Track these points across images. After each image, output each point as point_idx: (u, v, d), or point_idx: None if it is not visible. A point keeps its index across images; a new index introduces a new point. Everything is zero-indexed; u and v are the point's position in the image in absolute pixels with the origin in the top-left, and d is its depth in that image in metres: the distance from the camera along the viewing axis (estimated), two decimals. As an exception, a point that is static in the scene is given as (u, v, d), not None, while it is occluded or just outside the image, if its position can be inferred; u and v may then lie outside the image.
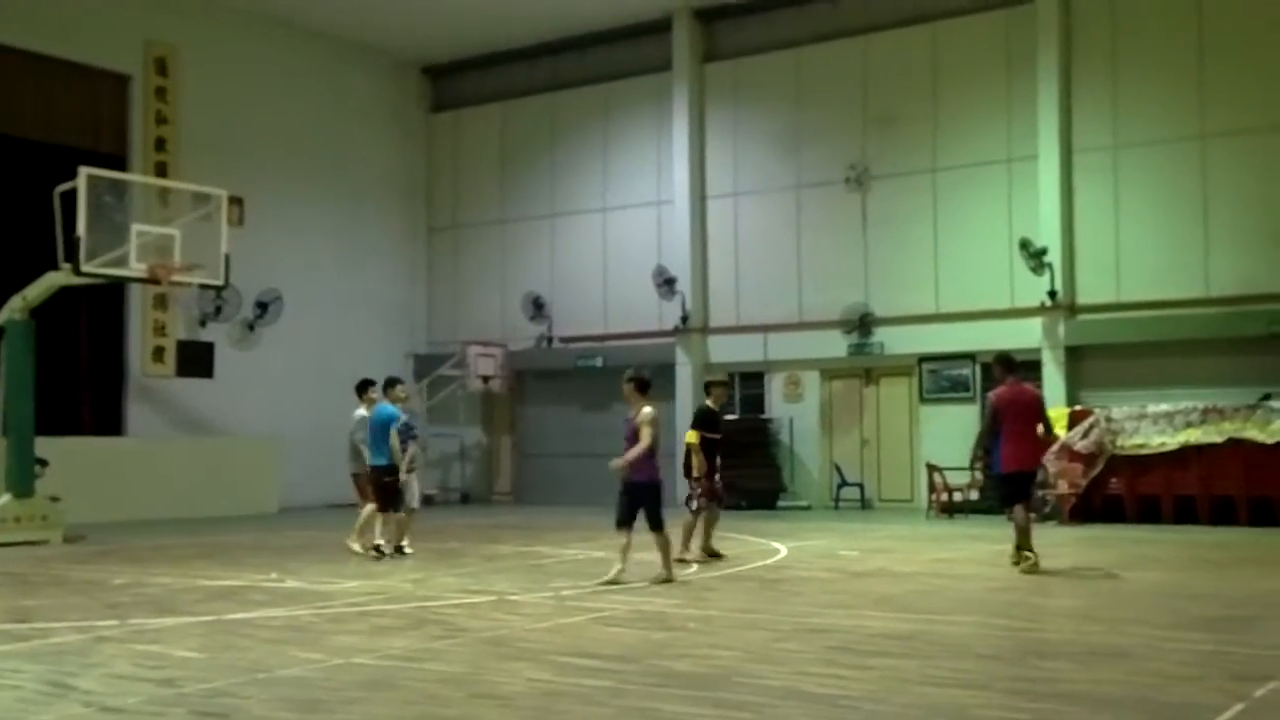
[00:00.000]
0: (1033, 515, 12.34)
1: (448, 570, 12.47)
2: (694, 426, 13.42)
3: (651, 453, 11.05)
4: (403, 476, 13.66)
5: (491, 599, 10.12)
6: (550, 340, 25.93)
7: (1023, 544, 11.82)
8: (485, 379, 25.44)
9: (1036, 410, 12.06)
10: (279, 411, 23.66)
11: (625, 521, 11.15)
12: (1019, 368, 12.65)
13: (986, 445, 12.28)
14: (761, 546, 14.73)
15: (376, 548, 13.48)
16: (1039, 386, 20.52)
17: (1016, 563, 11.82)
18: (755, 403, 23.83)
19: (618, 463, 11.10)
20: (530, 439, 26.43)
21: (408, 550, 13.71)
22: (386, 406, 13.77)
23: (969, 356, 21.64)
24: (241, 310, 23.41)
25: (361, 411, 14.70)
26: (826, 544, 13.85)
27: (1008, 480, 12.08)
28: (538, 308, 25.80)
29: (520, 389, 26.47)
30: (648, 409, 11.14)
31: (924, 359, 22.05)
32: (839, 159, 22.91)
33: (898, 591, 10.51)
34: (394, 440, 13.49)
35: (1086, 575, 11.71)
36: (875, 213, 22.63)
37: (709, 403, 13.91)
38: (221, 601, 10.08)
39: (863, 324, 22.41)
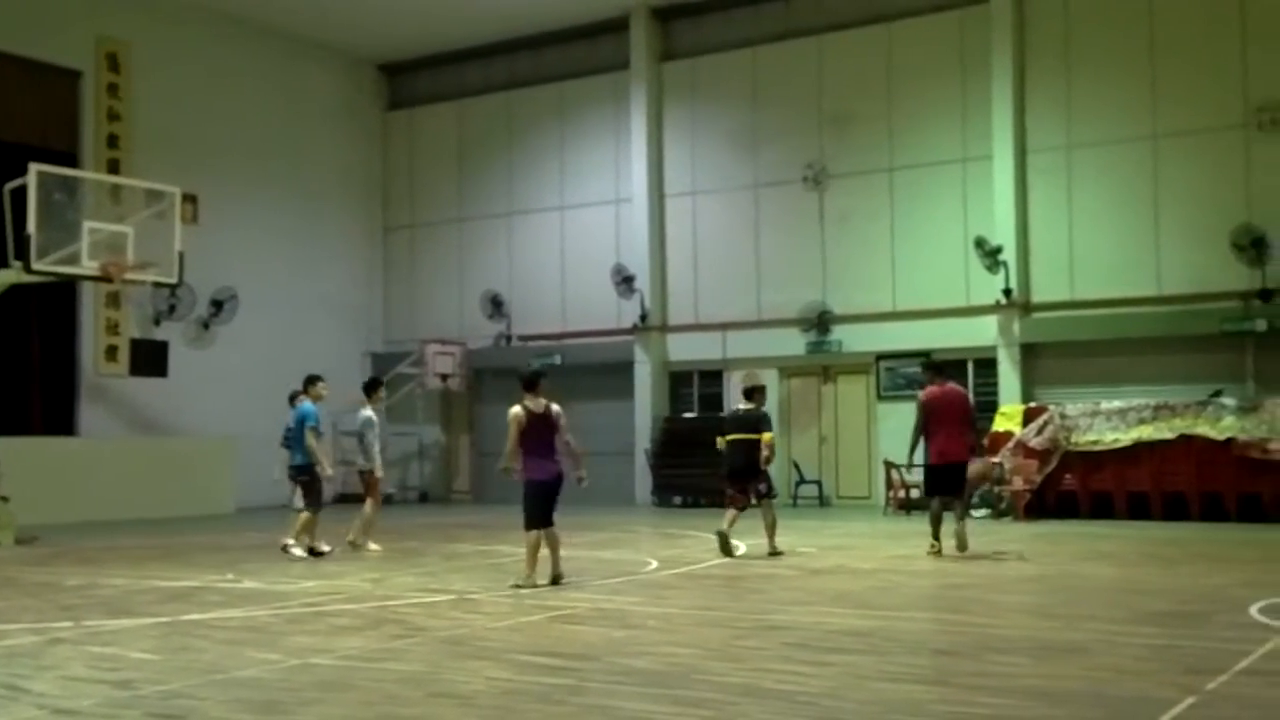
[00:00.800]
0: (970, 512, 13.06)
1: (407, 569, 12.42)
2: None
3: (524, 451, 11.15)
4: (329, 472, 13.77)
5: (451, 598, 10.09)
6: (509, 339, 25.88)
7: (935, 533, 12.96)
8: (444, 377, 25.36)
9: (963, 409, 13.16)
10: (234, 411, 23.45)
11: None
12: (946, 369, 14.10)
13: (914, 442, 13.18)
14: (715, 544, 14.70)
15: (312, 550, 13.62)
16: (995, 384, 20.82)
17: (932, 551, 12.81)
18: (713, 401, 23.85)
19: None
20: (489, 437, 26.27)
21: (324, 549, 13.67)
22: (306, 405, 13.80)
23: (926, 354, 21.71)
24: (196, 309, 23.21)
25: (368, 412, 14.68)
26: (785, 541, 13.89)
27: (933, 472, 13.10)
28: (496, 306, 25.74)
29: (478, 387, 26.40)
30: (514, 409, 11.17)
31: (881, 356, 22.17)
32: (796, 158, 22.99)
33: (856, 588, 10.56)
34: (309, 438, 13.59)
35: (1041, 571, 11.82)
36: (833, 211, 22.74)
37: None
38: (177, 603, 9.98)
39: (821, 322, 22.51)
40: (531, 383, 11.29)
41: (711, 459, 22.87)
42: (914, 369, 21.91)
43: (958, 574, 11.60)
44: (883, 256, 22.21)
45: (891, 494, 20.41)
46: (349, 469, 15.79)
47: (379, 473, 14.50)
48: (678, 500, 23.15)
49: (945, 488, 13.08)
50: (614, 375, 24.41)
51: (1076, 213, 20.79)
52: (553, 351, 25.09)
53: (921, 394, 13.48)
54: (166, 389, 22.72)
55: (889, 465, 20.42)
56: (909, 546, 14.37)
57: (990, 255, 20.57)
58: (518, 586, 10.64)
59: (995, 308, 20.83)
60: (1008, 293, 20.66)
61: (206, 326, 23.75)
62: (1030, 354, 20.88)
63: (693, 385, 24.33)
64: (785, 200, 23.20)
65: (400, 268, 27.65)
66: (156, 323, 22.87)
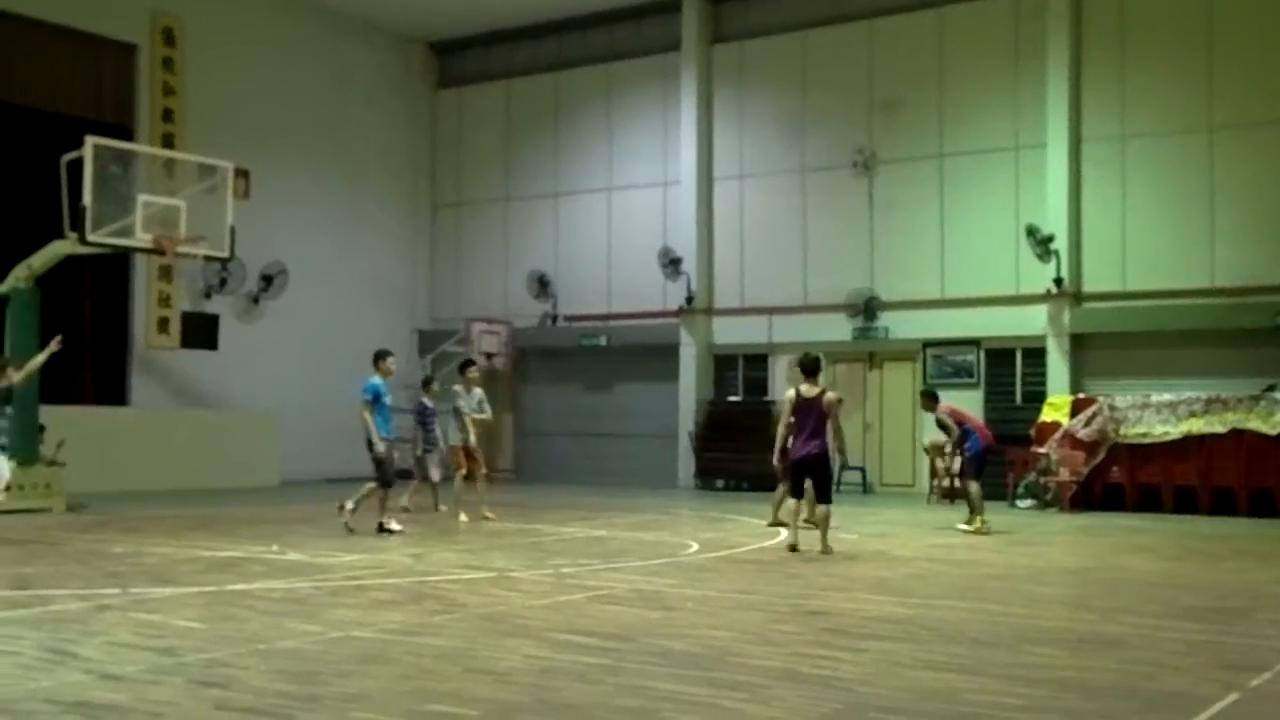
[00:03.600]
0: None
1: (447, 546, 12.53)
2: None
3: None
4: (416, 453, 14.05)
5: (491, 575, 10.17)
6: (554, 319, 25.96)
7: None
8: (489, 356, 25.46)
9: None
10: (281, 386, 23.67)
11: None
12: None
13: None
14: (760, 529, 14.74)
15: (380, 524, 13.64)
16: (1043, 374, 20.67)
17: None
18: (758, 385, 23.86)
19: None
20: (532, 417, 26.47)
21: (394, 527, 13.71)
22: (372, 379, 13.77)
23: (973, 342, 21.66)
24: (246, 283, 23.43)
25: (459, 388, 15.34)
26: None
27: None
28: (542, 286, 25.82)
29: (523, 367, 26.50)
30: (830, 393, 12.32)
31: (928, 344, 22.05)
32: (845, 143, 22.87)
33: (894, 576, 10.56)
34: (365, 412, 13.50)
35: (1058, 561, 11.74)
36: (881, 197, 22.63)
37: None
38: (221, 573, 10.13)
39: (867, 308, 22.43)
40: (811, 369, 12.29)
41: (756, 444, 23.18)
42: (962, 357, 21.84)
43: (998, 564, 11.56)
44: (931, 243, 22.08)
45: (935, 482, 20.32)
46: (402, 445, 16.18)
47: (470, 443, 15.32)
48: (720, 484, 23.16)
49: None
50: (659, 358, 24.43)
51: (1130, 203, 20.56)
52: (598, 333, 25.15)
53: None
54: (216, 362, 22.98)
55: (932, 452, 20.31)
56: (950, 535, 14.33)
57: (1042, 244, 20.41)
58: (790, 547, 12.02)
59: (1045, 297, 20.67)
60: (1058, 282, 20.48)
61: (256, 301, 23.97)
62: (1080, 344, 20.70)
63: (737, 369, 24.30)
64: (833, 186, 23.10)
65: (447, 246, 27.79)
66: (207, 296, 23.10)
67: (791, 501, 12.43)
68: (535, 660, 6.60)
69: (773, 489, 15.07)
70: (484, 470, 15.68)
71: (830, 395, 12.27)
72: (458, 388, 15.54)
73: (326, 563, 10.91)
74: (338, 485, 20.52)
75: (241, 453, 22.35)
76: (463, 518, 15.02)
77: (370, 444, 13.63)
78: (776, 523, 14.38)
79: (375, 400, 13.55)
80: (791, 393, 12.22)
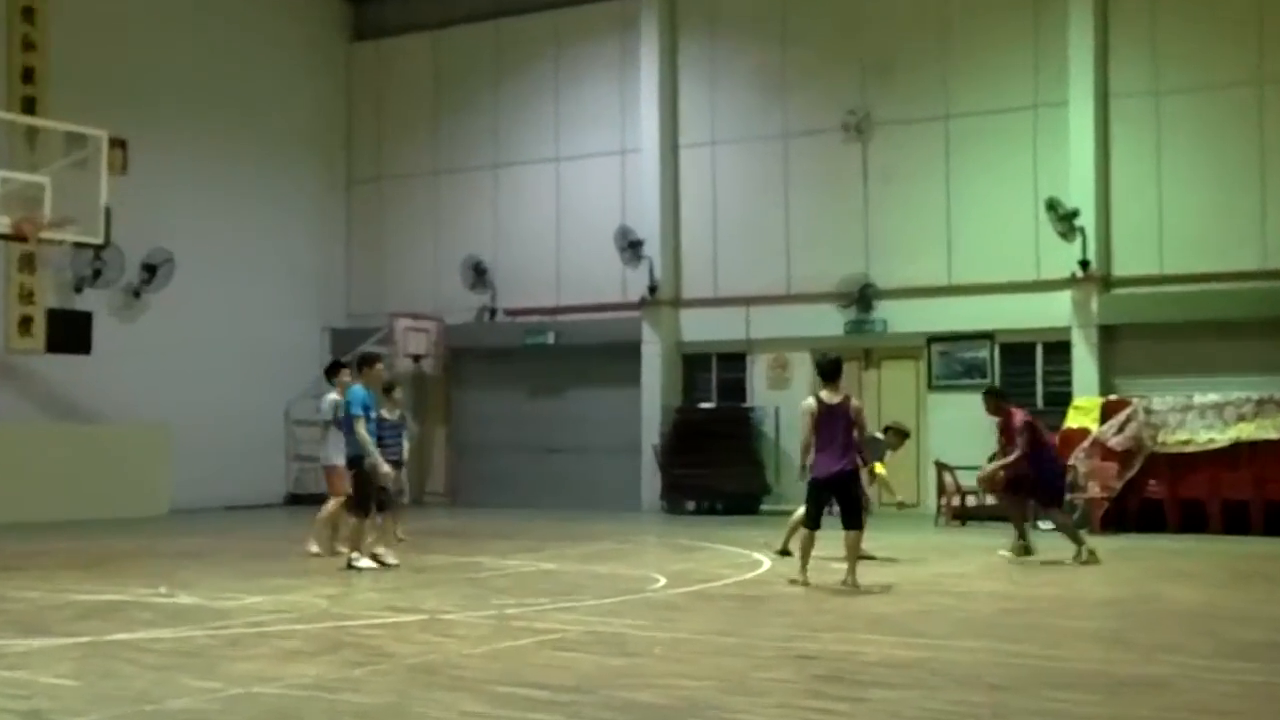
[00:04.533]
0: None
1: (370, 584, 12.47)
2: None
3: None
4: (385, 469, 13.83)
5: (421, 618, 10.13)
6: (493, 313, 25.91)
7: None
8: (416, 358, 25.38)
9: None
10: (169, 395, 23.47)
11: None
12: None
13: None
14: (740, 558, 14.77)
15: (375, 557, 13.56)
16: (1068, 372, 20.82)
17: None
18: (734, 389, 23.92)
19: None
20: (469, 429, 26.40)
21: (364, 564, 13.57)
22: (357, 388, 13.83)
23: (986, 336, 21.81)
24: (125, 274, 23.23)
25: (334, 396, 14.97)
26: (817, 554, 13.91)
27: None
28: (478, 275, 25.76)
29: (457, 371, 26.43)
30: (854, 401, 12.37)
31: (934, 339, 22.20)
32: (834, 104, 22.93)
33: (898, 611, 10.60)
34: (360, 428, 13.49)
35: (1091, 591, 11.84)
36: (877, 167, 22.71)
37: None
38: (100, 619, 10.03)
39: (862, 297, 22.52)
40: (832, 372, 12.23)
41: (732, 458, 23.21)
42: (973, 353, 21.96)
43: (1017, 596, 11.64)
44: (936, 220, 22.20)
45: (944, 501, 20.42)
46: (305, 464, 16.11)
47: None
48: (691, 506, 23.18)
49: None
50: (617, 357, 24.43)
51: (1166, 170, 20.73)
52: (545, 329, 25.13)
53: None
54: (90, 367, 22.76)
55: (941, 467, 20.42)
56: (963, 563, 14.41)
57: (1065, 220, 20.56)
58: (791, 581, 12.02)
59: (1070, 282, 20.83)
60: (1085, 264, 20.65)
61: (137, 295, 23.80)
62: (1110, 337, 20.87)
63: (710, 370, 24.34)
64: (821, 153, 23.17)
65: (366, 228, 27.66)
66: (78, 290, 22.89)
67: (806, 533, 12.18)
68: (474, 718, 6.57)
69: (754, 511, 15.16)
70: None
71: (856, 401, 12.37)
72: (332, 396, 14.97)
73: (224, 606, 10.82)
74: (239, 514, 20.39)
75: (123, 475, 22.15)
76: (313, 548, 14.72)
77: (357, 461, 13.52)
78: (787, 551, 14.23)
79: (366, 414, 13.54)
80: (811, 401, 12.12)
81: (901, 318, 22.36)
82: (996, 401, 15.13)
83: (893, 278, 22.43)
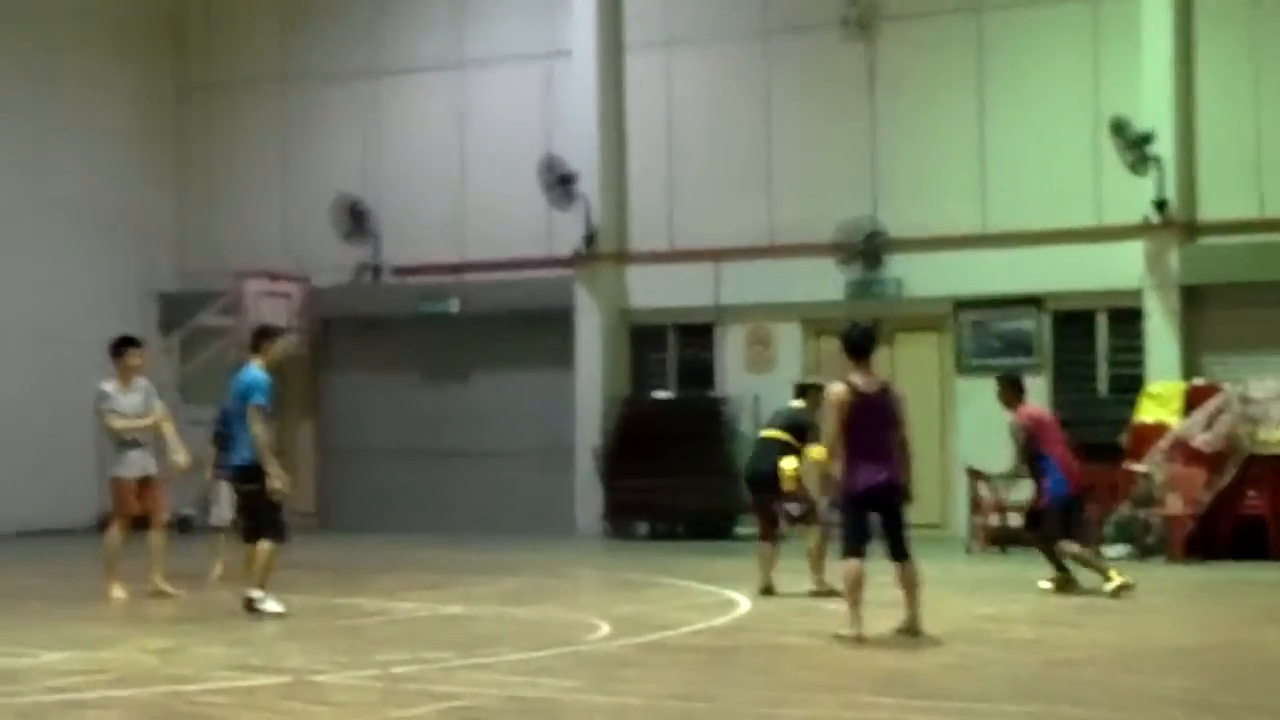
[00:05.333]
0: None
1: (213, 635, 12.50)
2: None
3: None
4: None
5: (282, 681, 10.17)
6: (376, 272, 25.88)
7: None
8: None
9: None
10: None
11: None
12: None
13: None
14: (708, 597, 14.90)
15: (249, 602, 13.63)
16: (1140, 349, 20.95)
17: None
18: (699, 372, 23.99)
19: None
20: (343, 428, 26.30)
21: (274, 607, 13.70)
22: (252, 370, 13.99)
23: (1032, 301, 21.91)
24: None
25: (111, 386, 15.32)
26: (809, 592, 14.06)
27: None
28: (356, 221, 25.61)
29: (328, 348, 26.37)
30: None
31: (963, 304, 22.33)
32: (830, -10, 23.03)
33: (918, 666, 10.75)
34: (255, 424, 13.72)
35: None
36: (887, 76, 22.83)
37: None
38: None
39: (868, 249, 22.58)
40: (862, 347, 12.31)
41: (697, 464, 23.13)
42: (1015, 324, 22.07)
43: (1074, 644, 11.81)
44: (965, 148, 22.31)
45: (978, 520, 20.54)
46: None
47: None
48: (643, 529, 23.34)
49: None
50: (542, 330, 24.42)
51: (1267, 84, 20.90)
52: (446, 293, 25.13)
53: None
54: None
55: (974, 475, 20.42)
56: (1002, 601, 14.60)
57: (1135, 147, 20.63)
58: (839, 637, 11.76)
59: (1142, 229, 20.99)
60: (1161, 206, 20.83)
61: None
62: (1194, 301, 21.02)
63: (666, 347, 24.38)
64: (812, 57, 23.21)
65: (201, 156, 27.47)
66: None
67: (853, 564, 11.98)
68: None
69: (727, 535, 15.38)
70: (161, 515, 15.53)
71: (897, 388, 12.51)
72: (108, 385, 15.45)
73: (16, 665, 10.83)
74: (35, 541, 20.34)
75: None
76: (116, 592, 14.84)
77: (258, 473, 13.69)
78: (825, 590, 14.30)
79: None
80: (839, 388, 12.15)
81: (921, 277, 22.42)
82: (1009, 392, 15.72)
83: (909, 224, 22.44)
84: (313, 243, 26.08)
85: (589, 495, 23.77)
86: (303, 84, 26.81)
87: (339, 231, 25.68)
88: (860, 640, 11.66)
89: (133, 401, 15.42)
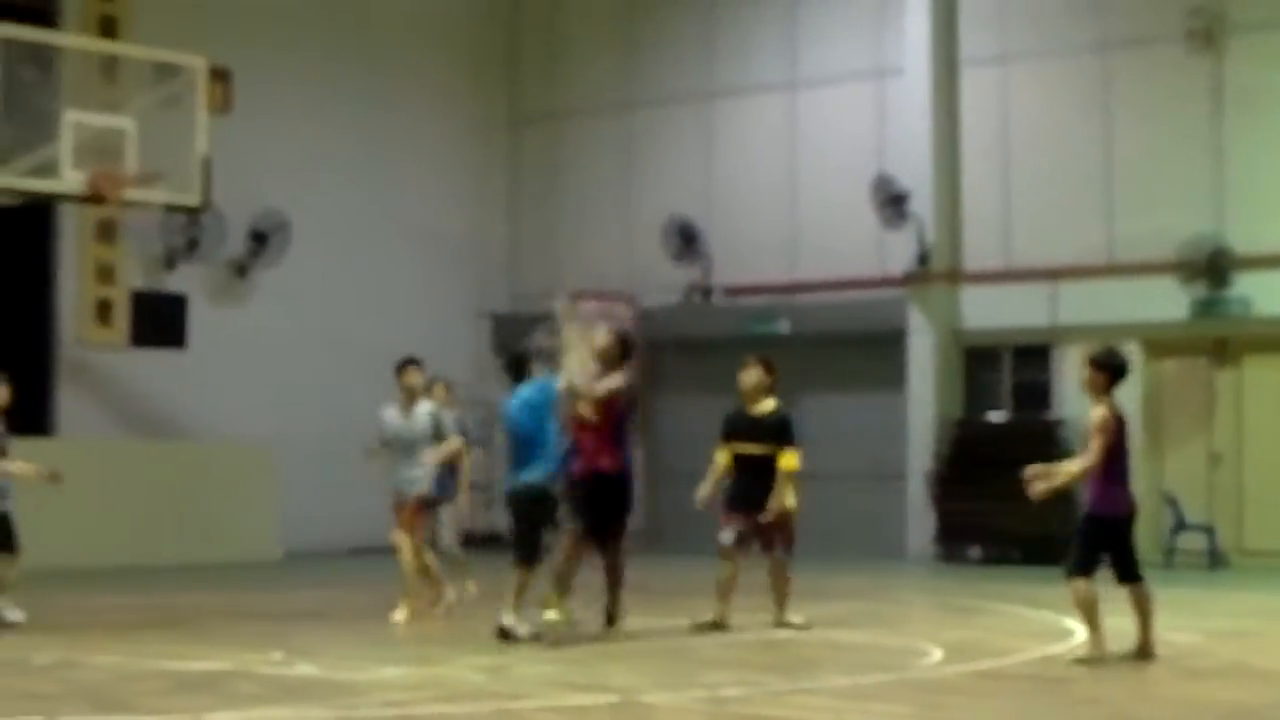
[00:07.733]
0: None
1: (541, 654, 12.56)
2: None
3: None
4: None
5: (610, 700, 10.14)
6: (707, 293, 26.01)
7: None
8: (602, 352, 25.51)
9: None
10: (281, 402, 24.02)
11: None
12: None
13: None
14: (1041, 624, 14.60)
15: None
16: None
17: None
18: (1035, 393, 23.69)
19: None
20: (672, 446, 26.42)
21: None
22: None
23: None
24: (227, 245, 23.80)
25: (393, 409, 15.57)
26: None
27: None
28: (686, 242, 25.84)
29: (657, 369, 26.56)
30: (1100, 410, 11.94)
31: (1318, 325, 21.70)
32: (1171, 2, 22.54)
33: (1262, 702, 10.37)
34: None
35: None
36: (1235, 87, 22.24)
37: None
38: (195, 694, 10.23)
39: (1214, 267, 22.08)
40: (1120, 368, 12.19)
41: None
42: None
43: None
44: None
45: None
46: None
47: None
48: (975, 553, 23.10)
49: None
50: (873, 351, 24.39)
51: None
52: (776, 313, 25.15)
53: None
54: (183, 366, 23.34)
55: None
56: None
57: None
58: (1081, 661, 11.76)
59: None
60: None
61: (243, 273, 24.40)
62: None
63: (1000, 368, 24.12)
64: (1153, 70, 22.85)
65: (536, 181, 27.97)
66: (170, 266, 23.47)
67: (1090, 585, 11.69)
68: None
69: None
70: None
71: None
72: (391, 410, 15.72)
73: (353, 679, 11.00)
74: (369, 559, 20.74)
75: (223, 507, 22.59)
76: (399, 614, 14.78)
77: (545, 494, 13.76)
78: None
79: None
80: (1108, 412, 11.90)
81: (1271, 295, 21.87)
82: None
83: (1258, 240, 21.98)
84: (643, 264, 26.40)
85: (920, 518, 23.72)
86: (638, 109, 27.19)
87: (669, 252, 25.91)
88: (1102, 660, 11.66)
89: (398, 423, 15.62)
